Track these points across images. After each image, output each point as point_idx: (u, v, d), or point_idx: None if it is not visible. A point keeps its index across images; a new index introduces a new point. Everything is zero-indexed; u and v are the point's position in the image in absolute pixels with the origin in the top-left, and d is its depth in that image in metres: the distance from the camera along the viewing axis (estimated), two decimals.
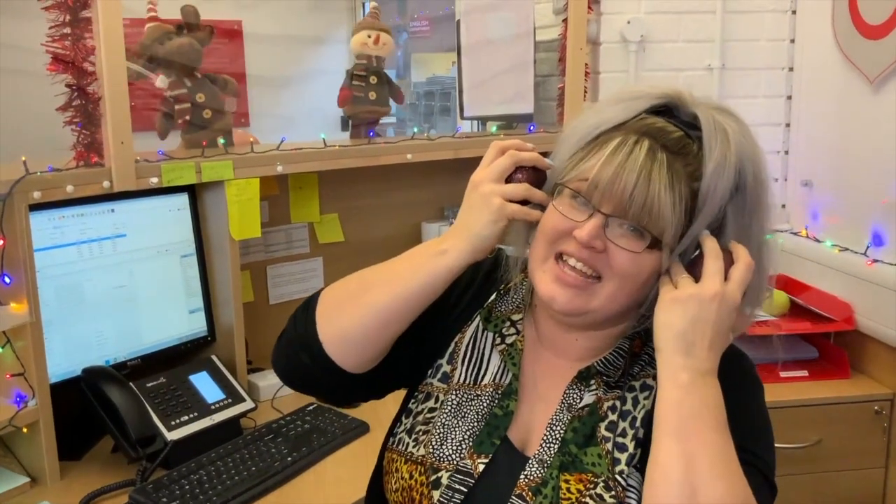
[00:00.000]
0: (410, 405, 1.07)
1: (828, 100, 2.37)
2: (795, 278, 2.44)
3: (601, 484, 0.94)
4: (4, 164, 1.69)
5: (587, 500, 0.93)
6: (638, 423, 0.96)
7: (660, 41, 2.53)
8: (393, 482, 1.02)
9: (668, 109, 0.97)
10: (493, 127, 2.66)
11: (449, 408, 1.03)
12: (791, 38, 2.53)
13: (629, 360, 1.01)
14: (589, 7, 2.44)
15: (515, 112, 2.56)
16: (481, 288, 1.11)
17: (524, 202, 0.98)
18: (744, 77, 2.55)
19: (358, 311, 1.00)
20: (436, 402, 1.05)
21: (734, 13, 2.52)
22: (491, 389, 1.03)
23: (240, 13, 4.58)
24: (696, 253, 0.94)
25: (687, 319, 0.89)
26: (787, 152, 2.59)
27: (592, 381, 1.00)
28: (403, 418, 1.07)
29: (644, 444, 0.93)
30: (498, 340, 1.06)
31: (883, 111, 2.12)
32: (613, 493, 0.93)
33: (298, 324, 1.05)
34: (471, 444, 1.00)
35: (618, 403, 0.98)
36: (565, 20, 2.45)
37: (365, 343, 1.01)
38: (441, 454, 0.99)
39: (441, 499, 0.96)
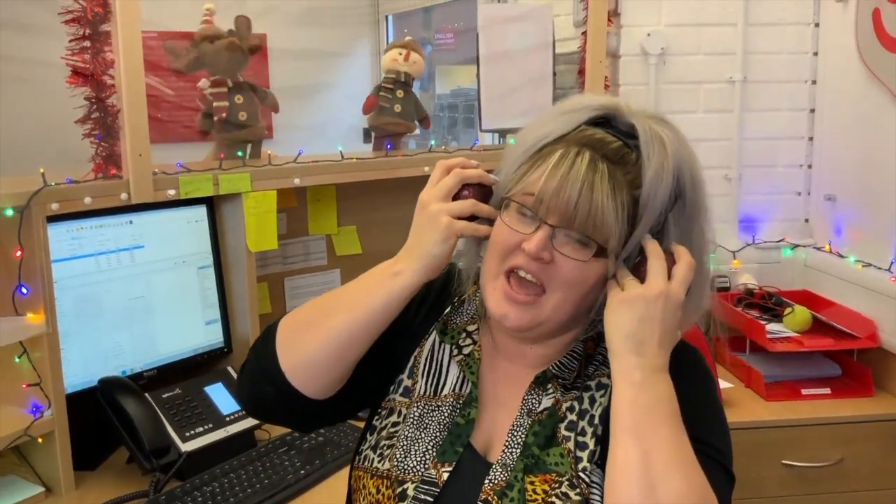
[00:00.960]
0: (374, 422, 1.08)
1: (851, 113, 2.35)
2: (819, 294, 2.42)
3: (566, 482, 0.96)
4: (22, 175, 1.71)
5: (553, 499, 0.94)
6: (596, 421, 0.99)
7: (680, 53, 2.51)
8: (361, 499, 1.03)
9: (606, 120, 0.99)
10: (511, 139, 2.65)
11: (411, 420, 1.04)
12: (814, 51, 2.51)
13: (583, 361, 1.03)
14: (609, 20, 2.44)
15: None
16: (436, 302, 1.13)
17: (472, 218, 1.00)
18: (766, 90, 2.53)
19: (318, 338, 1.01)
20: (398, 416, 1.06)
21: (756, 25, 2.50)
22: (451, 399, 1.04)
23: (265, 27, 4.63)
24: (640, 257, 0.97)
25: (635, 319, 0.92)
26: (810, 166, 2.57)
27: (549, 385, 1.02)
28: (368, 435, 1.08)
29: (604, 440, 0.95)
30: (455, 352, 1.08)
31: None
32: (578, 490, 0.95)
33: (259, 355, 1.05)
34: (434, 454, 1.01)
35: (575, 404, 1.00)
36: (585, 33, 2.45)
37: (327, 369, 1.02)
38: (406, 466, 1.01)
39: None
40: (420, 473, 0.99)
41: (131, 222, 1.77)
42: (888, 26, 2.14)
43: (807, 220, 2.58)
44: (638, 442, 0.88)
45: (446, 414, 1.03)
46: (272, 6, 4.50)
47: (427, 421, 1.04)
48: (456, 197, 1.01)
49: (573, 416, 1.00)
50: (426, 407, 1.05)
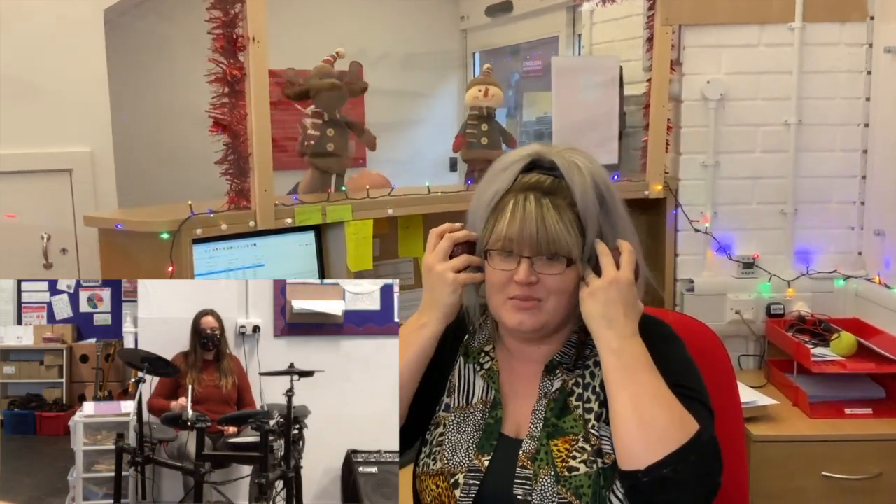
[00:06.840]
0: (427, 437, 1.37)
1: None
2: (868, 322, 2.57)
3: (581, 439, 1.24)
4: (171, 204, 2.10)
5: (574, 453, 1.23)
6: (598, 389, 1.29)
7: (738, 99, 2.71)
8: (426, 496, 1.32)
9: (533, 164, 1.27)
10: None
11: (452, 427, 1.33)
12: (867, 97, 2.68)
13: (579, 348, 1.32)
14: (672, 68, 2.69)
15: (601, 162, 2.80)
16: (455, 336, 1.40)
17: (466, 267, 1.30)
18: (820, 132, 2.70)
19: None
20: (443, 427, 1.35)
21: (811, 73, 2.68)
22: (481, 406, 1.33)
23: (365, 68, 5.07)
24: (597, 257, 1.25)
25: (600, 304, 1.22)
26: (862, 203, 2.73)
27: (557, 371, 1.31)
28: (423, 448, 1.37)
29: (605, 403, 1.23)
30: (478, 368, 1.36)
31: None
32: (591, 443, 1.23)
33: None
34: (474, 448, 1.29)
35: (579, 380, 1.30)
36: (650, 80, 2.70)
37: None
38: (454, 462, 1.29)
39: (461, 495, 1.26)
40: (466, 465, 1.28)
41: (255, 245, 2.14)
42: None
43: (860, 253, 2.74)
44: (626, 390, 1.17)
45: (479, 417, 1.32)
46: (378, 52, 4.95)
47: (465, 425, 1.32)
48: (451, 255, 1.29)
49: (579, 390, 1.29)
50: (462, 415, 1.34)
